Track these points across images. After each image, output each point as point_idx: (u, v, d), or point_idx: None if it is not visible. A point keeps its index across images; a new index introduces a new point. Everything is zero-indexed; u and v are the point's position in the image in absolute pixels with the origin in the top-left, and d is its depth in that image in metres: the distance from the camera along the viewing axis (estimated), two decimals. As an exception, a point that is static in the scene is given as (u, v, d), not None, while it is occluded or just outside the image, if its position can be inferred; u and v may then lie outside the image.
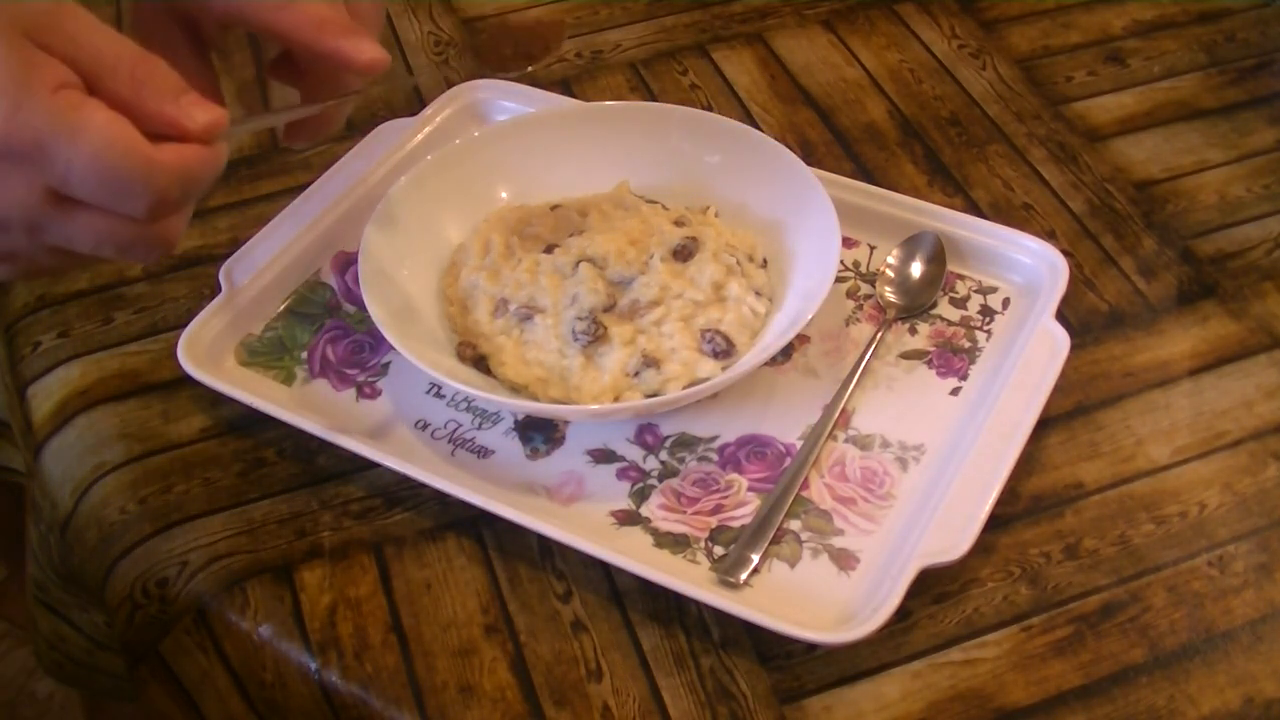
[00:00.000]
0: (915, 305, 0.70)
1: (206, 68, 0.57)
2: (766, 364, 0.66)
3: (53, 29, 0.45)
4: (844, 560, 0.60)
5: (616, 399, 0.63)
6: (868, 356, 0.67)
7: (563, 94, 0.85)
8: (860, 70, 0.88)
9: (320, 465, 0.65)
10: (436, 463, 0.64)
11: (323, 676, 0.58)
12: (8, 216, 0.46)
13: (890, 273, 0.72)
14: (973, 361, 0.68)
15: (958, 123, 0.84)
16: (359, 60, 0.54)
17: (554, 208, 0.73)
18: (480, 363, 0.66)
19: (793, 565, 0.60)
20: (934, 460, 0.63)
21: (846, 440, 0.65)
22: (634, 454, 0.65)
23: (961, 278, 0.72)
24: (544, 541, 0.61)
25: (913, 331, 0.70)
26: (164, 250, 0.50)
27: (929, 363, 0.68)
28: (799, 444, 0.65)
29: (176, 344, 0.67)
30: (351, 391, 0.68)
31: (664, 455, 0.65)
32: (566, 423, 0.66)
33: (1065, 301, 0.68)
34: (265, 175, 0.81)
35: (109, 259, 0.50)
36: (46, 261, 0.50)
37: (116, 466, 0.66)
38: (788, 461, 0.64)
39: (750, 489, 0.63)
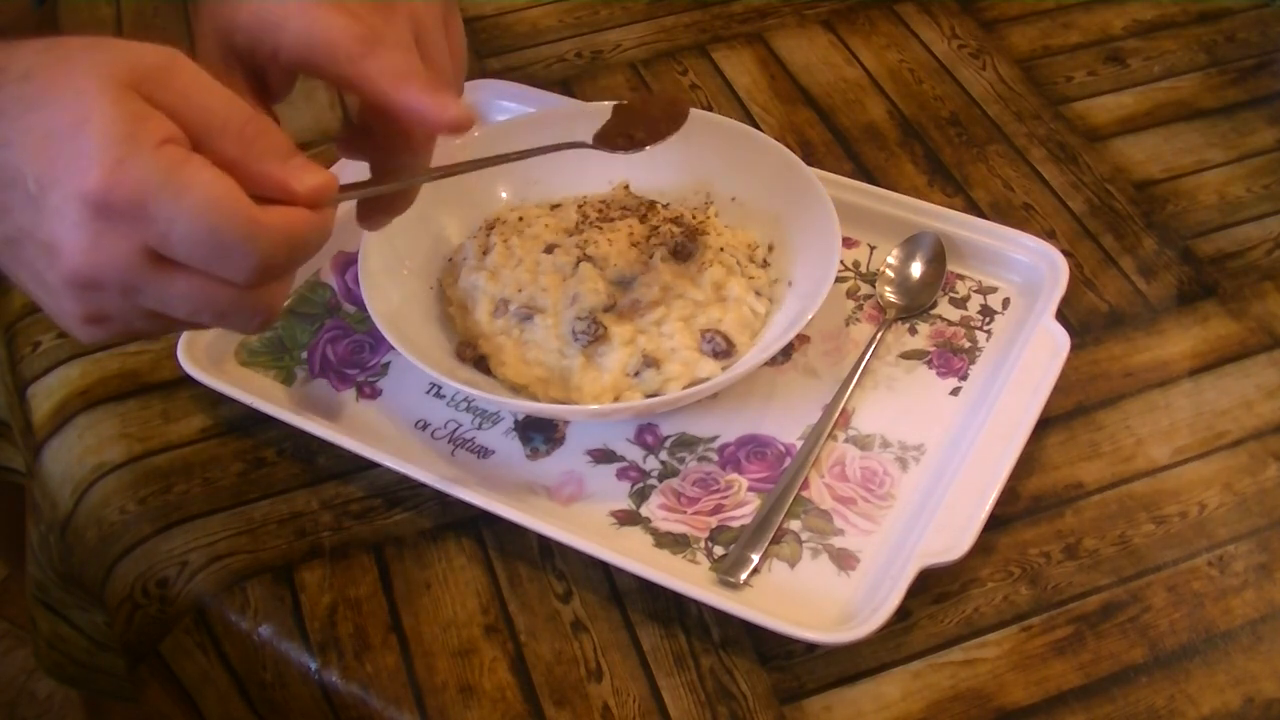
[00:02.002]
0: (915, 305, 0.70)
1: (274, 120, 0.52)
2: (766, 364, 0.66)
3: (162, 83, 0.44)
4: (844, 560, 0.60)
5: (616, 399, 0.64)
6: (868, 356, 0.67)
7: (563, 94, 0.85)
8: (860, 70, 0.88)
9: (320, 465, 0.65)
10: (436, 463, 0.64)
11: (323, 676, 0.58)
12: (103, 276, 0.44)
13: (890, 273, 0.72)
14: (973, 361, 0.68)
15: (958, 123, 0.84)
16: (441, 118, 0.50)
17: (554, 207, 0.73)
18: (480, 363, 0.66)
19: (793, 565, 0.60)
20: (934, 460, 0.63)
21: (846, 440, 0.65)
22: (634, 454, 0.65)
23: (961, 278, 0.72)
24: (544, 541, 0.61)
25: (913, 331, 0.70)
26: (265, 319, 0.48)
27: (929, 363, 0.68)
28: (799, 444, 0.65)
29: (176, 344, 0.67)
30: (351, 391, 0.68)
31: (664, 455, 0.65)
32: (566, 423, 0.66)
33: (1065, 301, 0.68)
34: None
35: (206, 325, 0.48)
36: (140, 326, 0.47)
37: (116, 466, 0.66)
38: (788, 461, 0.64)
39: (750, 489, 0.63)
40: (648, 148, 0.62)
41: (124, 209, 0.42)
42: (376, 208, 0.56)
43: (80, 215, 0.43)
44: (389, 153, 0.55)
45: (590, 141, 0.62)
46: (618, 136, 0.62)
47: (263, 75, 0.52)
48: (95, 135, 0.42)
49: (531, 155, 0.61)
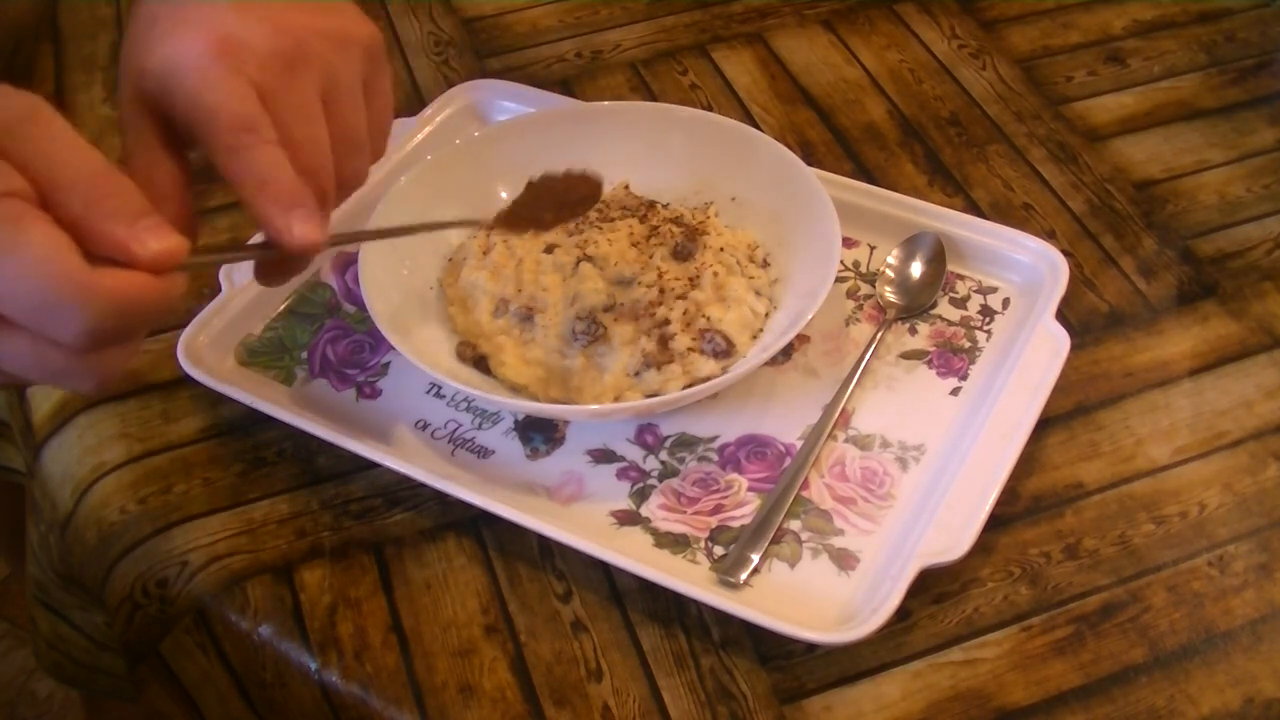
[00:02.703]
0: (915, 305, 0.70)
1: (181, 169, 0.50)
2: (766, 364, 0.66)
3: (16, 134, 0.42)
4: (844, 560, 0.60)
5: (616, 399, 0.64)
6: (868, 356, 0.67)
7: (563, 94, 0.85)
8: (860, 70, 0.88)
9: (320, 465, 0.65)
10: (436, 463, 0.64)
11: (323, 676, 0.58)
12: None
13: (890, 273, 0.72)
14: (973, 361, 0.68)
15: (958, 123, 0.84)
16: (285, 241, 0.48)
17: (554, 208, 0.73)
18: (480, 363, 0.66)
19: (793, 565, 0.60)
20: (934, 460, 0.63)
21: (846, 440, 0.65)
22: (634, 454, 0.65)
23: (961, 278, 0.72)
24: (544, 541, 0.61)
25: (913, 331, 0.70)
26: (100, 383, 0.45)
27: (929, 363, 0.68)
28: (799, 444, 0.65)
29: (176, 344, 0.67)
30: (351, 391, 0.68)
31: (664, 455, 0.65)
32: (566, 423, 0.66)
33: (1065, 301, 0.68)
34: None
35: (36, 383, 0.46)
36: None
37: (116, 466, 0.66)
38: (788, 461, 0.64)
39: (750, 489, 0.63)
40: (560, 224, 0.61)
41: None
42: (272, 270, 0.53)
43: None
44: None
45: (491, 222, 0.60)
46: (523, 218, 0.60)
47: (172, 125, 0.50)
48: None
49: (426, 230, 0.61)
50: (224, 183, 0.48)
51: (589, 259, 0.67)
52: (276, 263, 0.52)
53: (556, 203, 0.61)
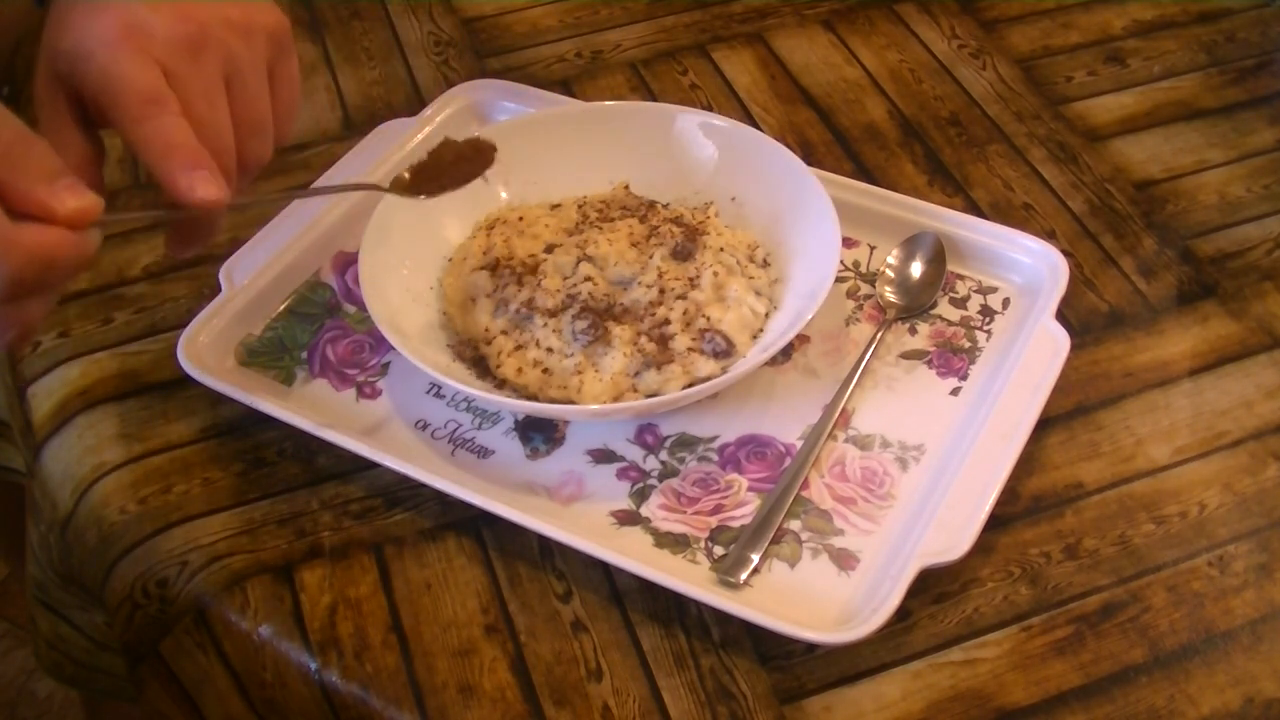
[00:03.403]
0: (915, 305, 0.70)
1: (92, 145, 0.54)
2: (766, 364, 0.66)
3: None
4: (844, 560, 0.60)
5: (616, 399, 0.63)
6: (868, 356, 0.67)
7: (563, 94, 0.85)
8: (860, 70, 0.88)
9: (320, 465, 0.65)
10: (436, 463, 0.64)
11: (323, 676, 0.58)
12: None
13: (890, 273, 0.72)
14: (973, 361, 0.68)
15: (958, 123, 0.84)
16: (189, 199, 0.50)
17: (554, 207, 0.73)
18: (480, 363, 0.66)
19: (793, 565, 0.60)
20: (934, 460, 0.63)
21: (846, 440, 0.65)
22: (634, 454, 0.65)
23: (961, 278, 0.72)
24: (544, 541, 0.61)
25: (913, 331, 0.70)
26: (21, 334, 0.48)
27: (929, 363, 0.68)
28: (799, 444, 0.65)
29: (176, 344, 0.67)
30: (351, 391, 0.68)
31: (664, 455, 0.65)
32: (566, 423, 0.66)
33: (1065, 301, 0.68)
34: (265, 175, 0.80)
35: None
36: None
37: (116, 466, 0.66)
38: (788, 461, 0.64)
39: (750, 489, 0.63)
40: (445, 193, 0.63)
41: None
42: (181, 237, 0.55)
43: None
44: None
45: (386, 186, 0.63)
46: (418, 185, 0.63)
47: (84, 104, 0.53)
48: None
49: (322, 194, 0.64)
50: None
51: (589, 259, 0.67)
52: (185, 230, 0.55)
53: (449, 167, 0.63)
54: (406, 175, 0.63)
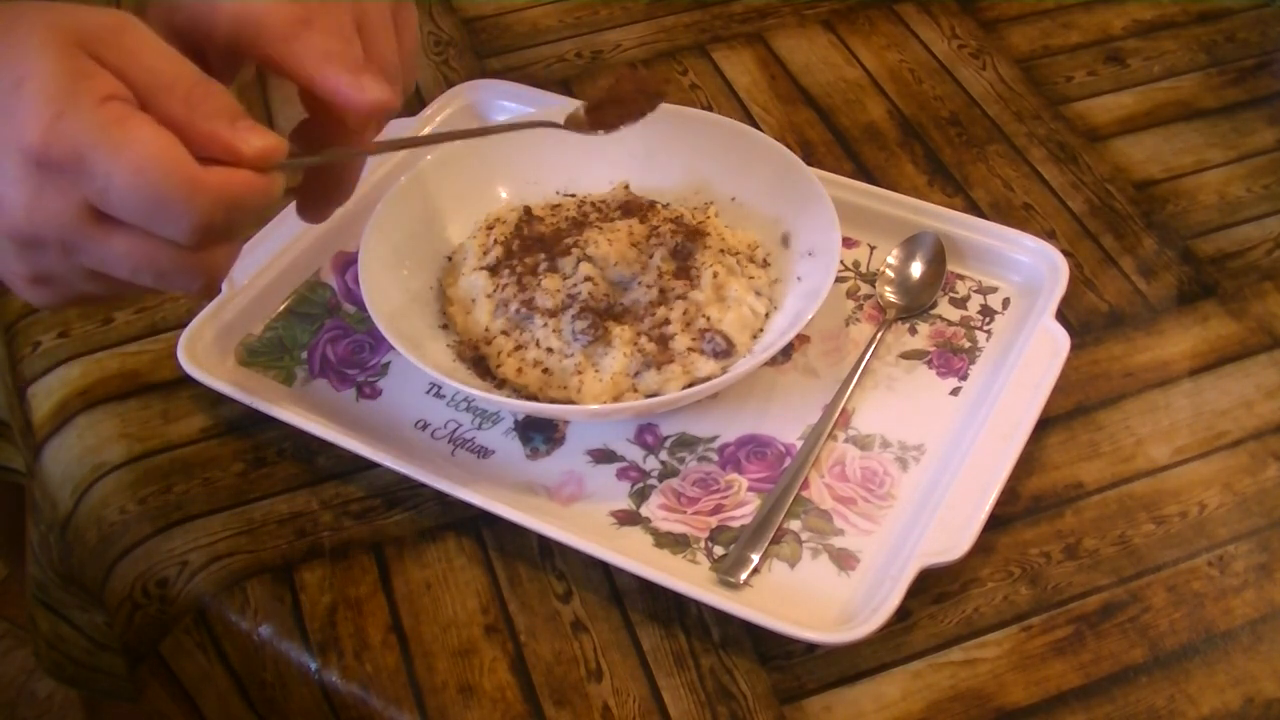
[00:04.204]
0: (915, 305, 0.70)
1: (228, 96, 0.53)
2: (766, 364, 0.66)
3: (110, 43, 0.44)
4: (844, 560, 0.60)
5: (616, 399, 0.63)
6: (868, 356, 0.67)
7: (563, 94, 0.85)
8: (860, 70, 0.88)
9: (320, 465, 0.65)
10: (436, 463, 0.64)
11: (323, 676, 0.58)
12: (43, 232, 0.44)
13: (890, 273, 0.72)
14: (973, 361, 0.68)
15: (958, 123, 0.84)
16: (358, 100, 0.50)
17: (554, 207, 0.73)
18: (480, 363, 0.66)
19: (793, 565, 0.60)
20: (934, 460, 0.63)
21: (846, 440, 0.65)
22: (634, 454, 0.65)
23: (961, 278, 0.72)
24: (544, 541, 0.61)
25: (913, 331, 0.70)
26: (208, 283, 0.47)
27: (929, 363, 0.68)
28: (799, 444, 0.65)
29: (176, 344, 0.67)
30: (351, 391, 0.68)
31: (664, 455, 0.65)
32: (566, 423, 0.66)
33: (1065, 301, 0.68)
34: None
35: (148, 287, 0.47)
36: (84, 287, 0.47)
37: (116, 466, 0.66)
38: (788, 461, 0.64)
39: (750, 489, 0.63)
40: (621, 127, 0.61)
41: (63, 163, 0.42)
42: (316, 198, 0.55)
43: (20, 170, 0.43)
44: (329, 142, 0.54)
45: (562, 123, 0.61)
46: (591, 120, 0.61)
47: (204, 56, 0.51)
48: (36, 91, 0.42)
49: (496, 132, 0.60)
50: None
51: (589, 259, 0.67)
52: (322, 187, 0.54)
53: (620, 104, 0.61)
54: (582, 111, 0.61)
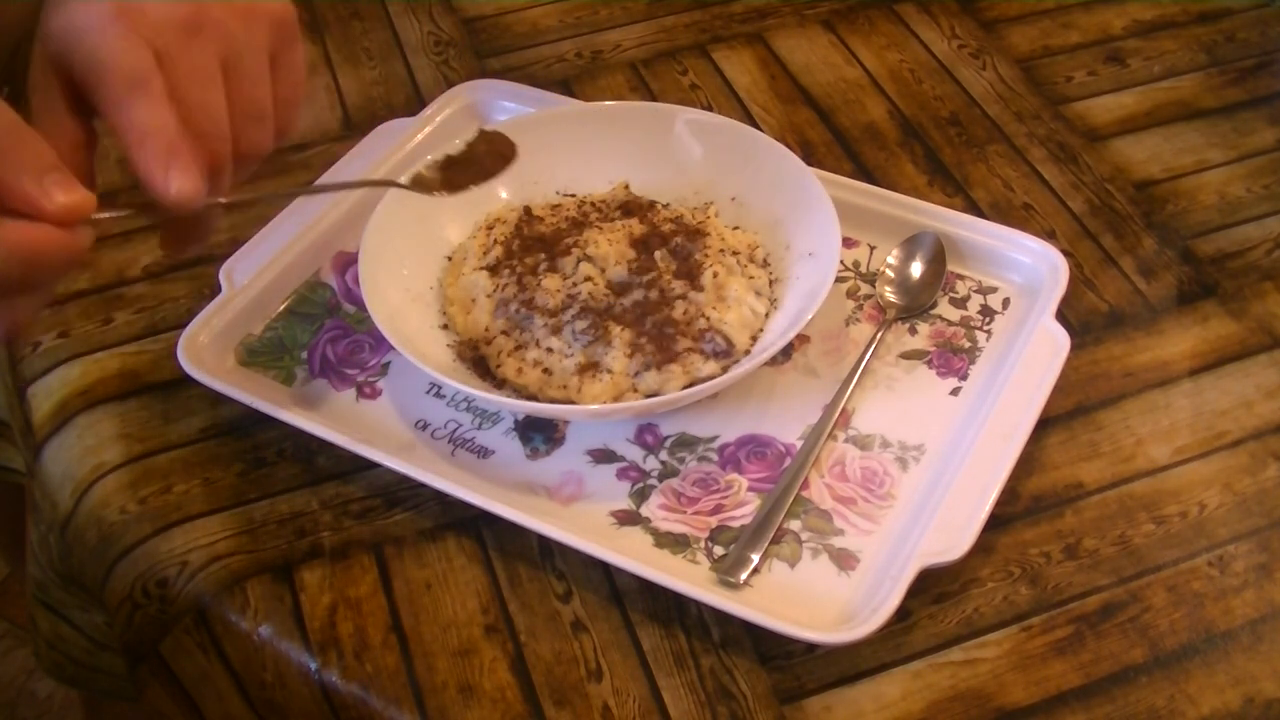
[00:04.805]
0: (915, 305, 0.70)
1: (84, 132, 0.51)
2: (766, 364, 0.66)
3: None
4: (844, 560, 0.60)
5: (616, 399, 0.63)
6: (868, 356, 0.67)
7: (563, 94, 0.85)
8: (860, 70, 0.88)
9: (320, 465, 0.65)
10: (436, 463, 0.64)
11: (323, 676, 0.58)
12: None
13: (890, 273, 0.72)
14: (973, 361, 0.68)
15: (958, 123, 0.84)
16: (162, 191, 0.48)
17: (554, 207, 0.73)
18: (480, 363, 0.66)
19: (793, 565, 0.60)
20: (934, 460, 0.63)
21: (846, 440, 0.65)
22: (634, 454, 0.65)
23: (961, 278, 0.72)
24: (544, 541, 0.61)
25: (913, 331, 0.70)
26: (11, 332, 0.47)
27: (929, 363, 0.68)
28: (799, 444, 0.65)
29: (176, 344, 0.67)
30: (351, 391, 0.68)
31: (664, 455, 0.65)
32: (566, 423, 0.66)
33: (1065, 301, 0.68)
34: (265, 175, 0.80)
35: None
36: None
37: (116, 466, 0.66)
38: (788, 461, 0.64)
39: (750, 489, 0.63)
40: (470, 188, 0.62)
41: None
42: (174, 238, 0.54)
43: None
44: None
45: (405, 183, 0.62)
46: (438, 181, 0.62)
47: (76, 90, 0.50)
48: None
49: (340, 189, 0.63)
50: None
51: (589, 259, 0.67)
52: (180, 228, 0.53)
53: (472, 164, 0.62)
54: (432, 171, 0.62)
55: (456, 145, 0.63)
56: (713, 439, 0.65)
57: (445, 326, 0.69)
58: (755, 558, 0.59)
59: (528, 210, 0.72)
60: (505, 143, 0.63)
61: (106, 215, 0.48)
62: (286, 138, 0.55)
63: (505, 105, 0.82)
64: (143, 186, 0.49)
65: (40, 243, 0.44)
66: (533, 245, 0.69)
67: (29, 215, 0.44)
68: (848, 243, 0.73)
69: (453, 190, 0.61)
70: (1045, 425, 0.65)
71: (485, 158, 0.63)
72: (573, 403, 0.64)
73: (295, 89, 0.55)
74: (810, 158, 0.79)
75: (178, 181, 0.48)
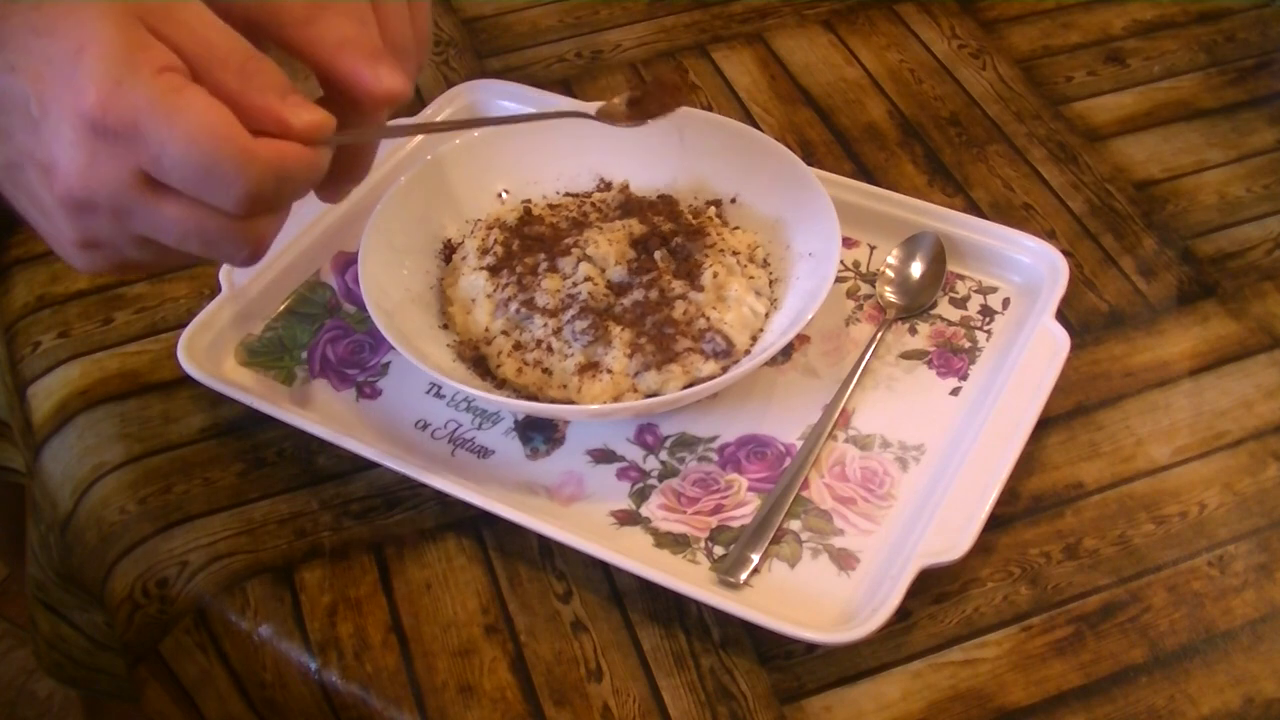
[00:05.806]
0: (915, 305, 0.70)
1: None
2: (766, 364, 0.66)
3: (166, 17, 0.45)
4: (844, 560, 0.60)
5: (616, 399, 0.63)
6: (868, 356, 0.67)
7: (563, 94, 0.85)
8: (860, 70, 0.88)
9: (320, 465, 0.65)
10: (436, 463, 0.64)
11: (323, 676, 0.58)
12: (96, 196, 0.45)
13: (890, 273, 0.72)
14: (973, 361, 0.68)
15: (958, 123, 0.84)
16: (375, 88, 0.50)
17: (554, 207, 0.73)
18: (480, 363, 0.66)
19: (793, 565, 0.60)
20: (934, 460, 0.63)
21: (846, 440, 0.65)
22: (634, 454, 0.65)
23: (961, 278, 0.72)
24: (544, 541, 0.61)
25: (913, 331, 0.70)
26: (253, 251, 0.48)
27: (929, 363, 0.68)
28: (799, 444, 0.65)
29: (176, 344, 0.67)
30: (351, 391, 0.68)
31: (664, 455, 0.65)
32: (566, 423, 0.66)
33: (1065, 301, 0.68)
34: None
35: (196, 255, 0.48)
36: (131, 253, 0.48)
37: (116, 466, 0.66)
38: (788, 461, 0.64)
39: (750, 489, 0.63)
40: (649, 121, 0.63)
41: (118, 130, 0.44)
42: (334, 176, 0.54)
43: (76, 135, 0.44)
44: (346, 124, 0.53)
45: (593, 114, 0.63)
46: (624, 114, 0.63)
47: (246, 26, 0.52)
48: (95, 59, 0.43)
49: (529, 120, 0.63)
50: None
51: (589, 259, 0.67)
52: (347, 165, 0.53)
53: (648, 100, 0.63)
54: (622, 104, 0.63)
55: (631, 91, 0.65)
56: (713, 439, 0.65)
57: (445, 326, 0.69)
58: (755, 558, 0.59)
59: (528, 210, 0.72)
60: (675, 82, 0.65)
61: (341, 137, 0.50)
62: (417, 77, 0.56)
63: (505, 105, 0.82)
64: (350, 90, 0.50)
65: (291, 159, 0.46)
66: (533, 245, 0.69)
67: (276, 134, 0.46)
68: (848, 243, 0.73)
69: (638, 122, 0.63)
70: (1045, 425, 0.65)
71: (668, 92, 0.64)
72: (573, 403, 0.64)
73: (426, 29, 0.56)
74: (810, 158, 0.79)
75: (388, 78, 0.50)
